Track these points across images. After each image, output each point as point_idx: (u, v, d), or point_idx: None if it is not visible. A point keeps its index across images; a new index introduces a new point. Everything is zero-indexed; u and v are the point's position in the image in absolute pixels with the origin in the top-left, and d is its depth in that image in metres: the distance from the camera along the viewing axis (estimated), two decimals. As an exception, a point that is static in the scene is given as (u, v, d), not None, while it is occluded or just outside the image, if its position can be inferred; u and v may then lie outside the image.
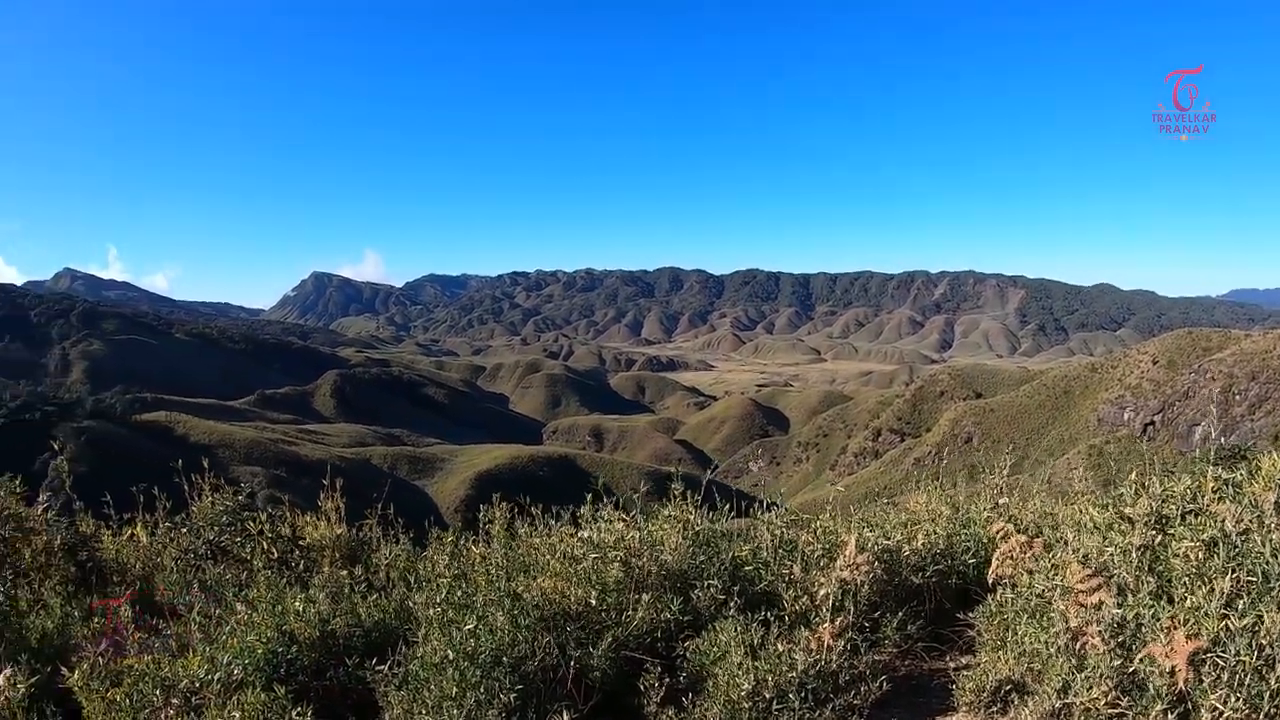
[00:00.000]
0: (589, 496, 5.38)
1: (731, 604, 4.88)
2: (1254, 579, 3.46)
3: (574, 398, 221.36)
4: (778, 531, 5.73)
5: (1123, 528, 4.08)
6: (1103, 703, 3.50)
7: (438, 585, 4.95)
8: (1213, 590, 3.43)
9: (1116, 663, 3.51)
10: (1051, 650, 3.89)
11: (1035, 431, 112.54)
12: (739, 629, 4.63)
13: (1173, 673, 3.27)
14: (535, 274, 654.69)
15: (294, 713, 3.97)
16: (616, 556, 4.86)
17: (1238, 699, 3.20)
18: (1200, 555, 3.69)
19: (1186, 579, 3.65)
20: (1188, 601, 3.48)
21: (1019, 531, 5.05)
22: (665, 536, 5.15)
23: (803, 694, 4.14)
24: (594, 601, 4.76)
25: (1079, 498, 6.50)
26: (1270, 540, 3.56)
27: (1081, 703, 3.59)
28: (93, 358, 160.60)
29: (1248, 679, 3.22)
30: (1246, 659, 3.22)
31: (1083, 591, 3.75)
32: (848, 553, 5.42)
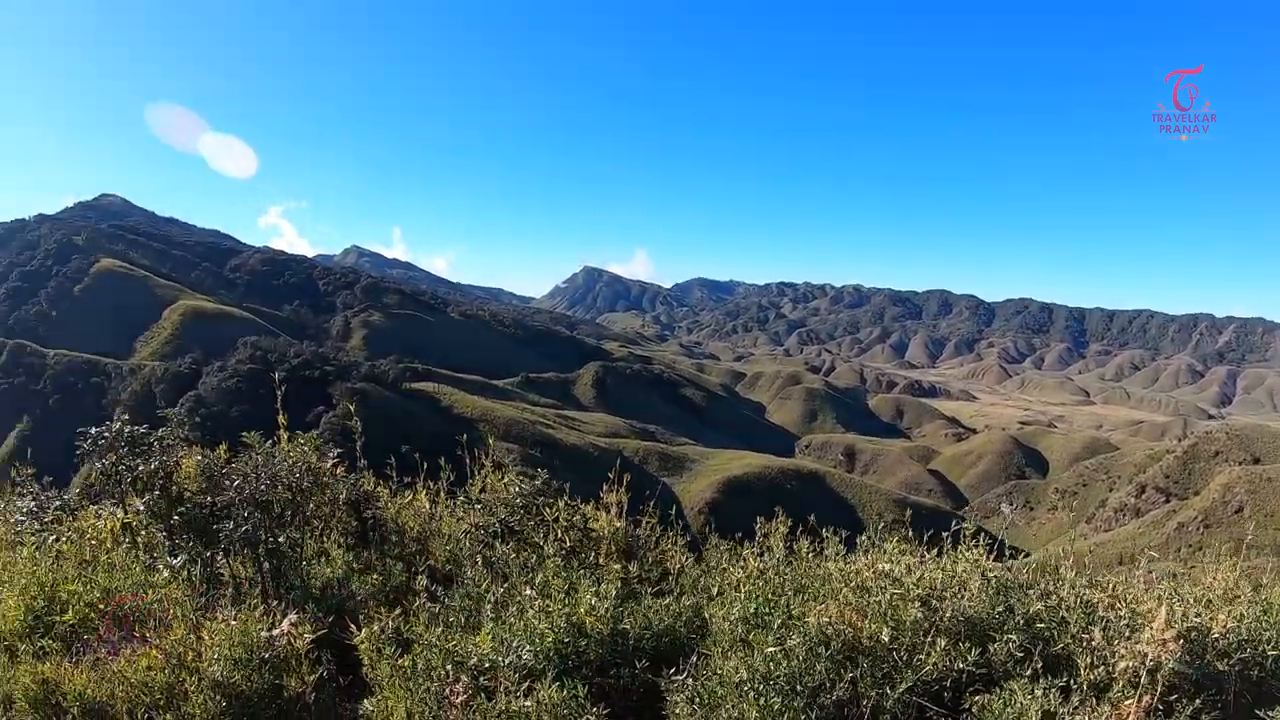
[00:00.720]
0: (877, 527, 5.03)
1: (1029, 663, 4.43)
2: None
3: (830, 414, 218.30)
4: (1078, 590, 5.17)
5: None
6: None
7: (732, 598, 4.84)
8: None
9: None
10: None
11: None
12: (1038, 692, 4.18)
13: None
14: (803, 285, 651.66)
15: (592, 712, 3.92)
16: (917, 595, 4.49)
17: None
18: None
19: None
20: None
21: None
22: (968, 579, 4.73)
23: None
24: (886, 639, 4.41)
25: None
26: None
27: None
28: (372, 328, 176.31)
29: None
30: None
31: None
32: (1156, 625, 4.81)
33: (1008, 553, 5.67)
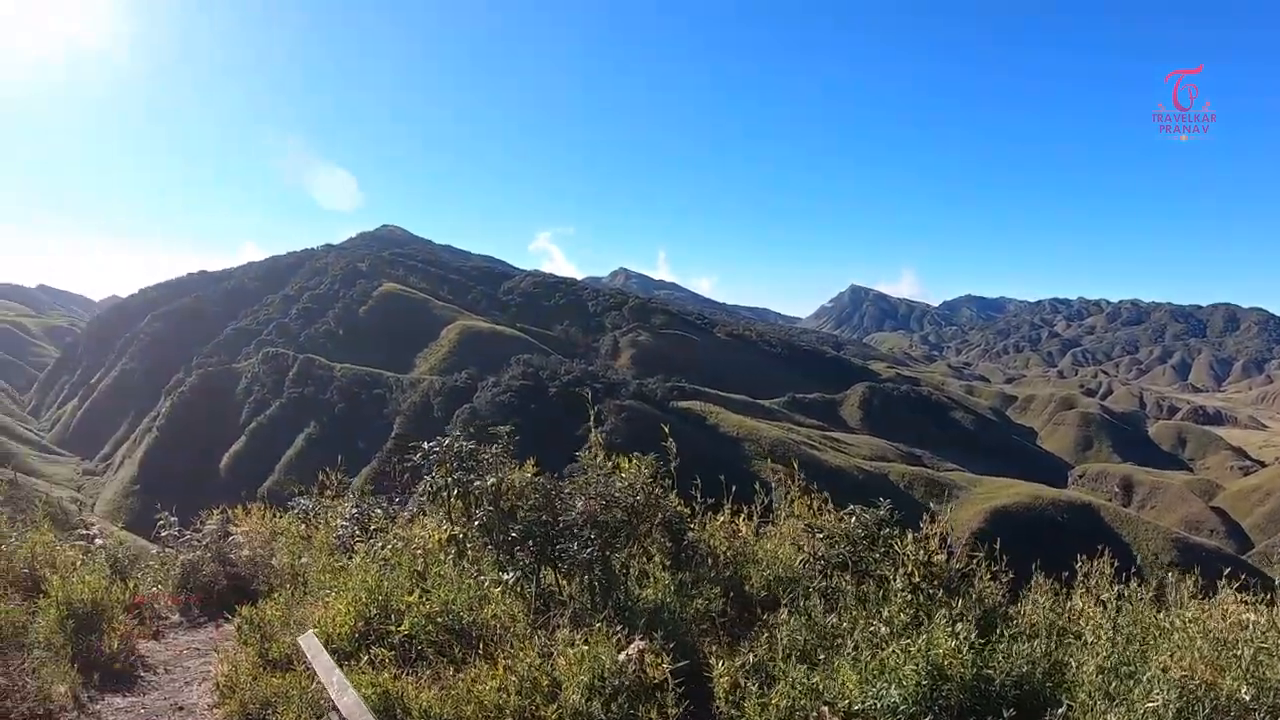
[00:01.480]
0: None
1: None
2: None
3: (1106, 442, 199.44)
4: None
5: None
6: None
7: (1090, 646, 4.31)
8: None
9: None
10: None
11: None
12: None
13: None
14: (1077, 301, 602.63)
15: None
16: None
17: None
18: None
19: None
20: None
21: None
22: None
23: None
24: (1246, 698, 3.91)
25: None
26: None
27: None
28: (639, 347, 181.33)
29: None
30: None
31: None
32: None
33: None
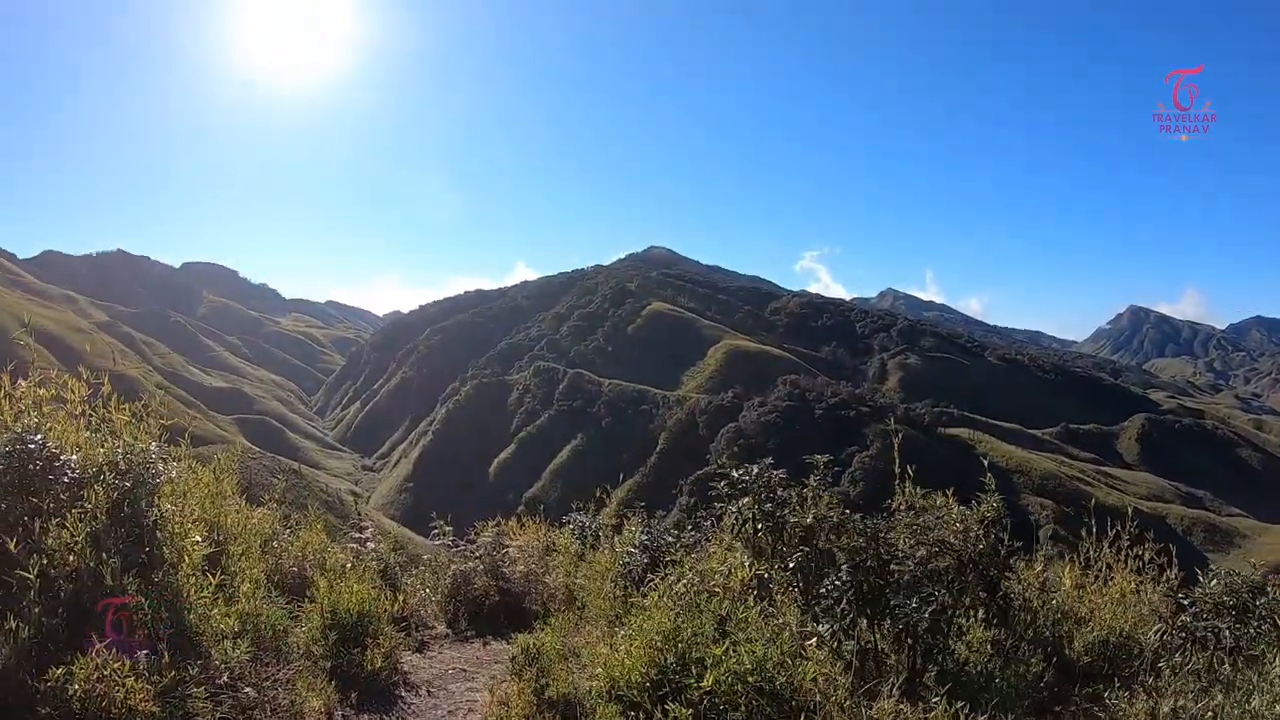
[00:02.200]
0: None
1: None
2: None
3: None
4: None
5: None
6: None
7: None
8: None
9: None
10: None
11: None
12: None
13: None
14: None
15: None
16: None
17: None
18: None
19: None
20: None
21: None
22: None
23: None
24: None
25: None
26: None
27: None
28: (908, 370, 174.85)
29: None
30: None
31: None
32: None
33: None
